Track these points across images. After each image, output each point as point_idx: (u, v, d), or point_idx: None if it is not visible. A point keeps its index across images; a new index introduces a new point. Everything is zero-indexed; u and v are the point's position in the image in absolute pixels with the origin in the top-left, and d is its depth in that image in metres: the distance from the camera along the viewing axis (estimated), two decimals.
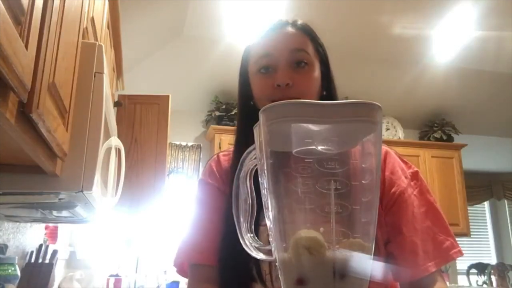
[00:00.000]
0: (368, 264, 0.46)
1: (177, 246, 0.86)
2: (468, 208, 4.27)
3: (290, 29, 0.83)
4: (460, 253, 0.77)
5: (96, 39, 1.52)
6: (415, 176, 0.83)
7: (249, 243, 0.52)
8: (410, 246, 0.75)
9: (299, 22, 0.85)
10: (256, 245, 0.52)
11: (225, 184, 0.85)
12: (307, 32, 0.84)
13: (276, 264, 0.48)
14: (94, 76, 1.08)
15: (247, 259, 0.74)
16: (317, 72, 0.82)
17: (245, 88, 0.86)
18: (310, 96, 0.79)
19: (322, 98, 0.84)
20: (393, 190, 0.79)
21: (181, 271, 0.86)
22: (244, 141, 0.85)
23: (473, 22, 3.24)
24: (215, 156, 0.94)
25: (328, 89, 0.85)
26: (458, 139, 4.40)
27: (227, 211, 0.80)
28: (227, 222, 0.79)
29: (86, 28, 1.26)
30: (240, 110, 0.91)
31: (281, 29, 0.83)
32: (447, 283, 4.28)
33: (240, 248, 0.75)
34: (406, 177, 0.81)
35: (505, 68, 3.78)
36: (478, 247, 5.43)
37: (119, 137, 1.56)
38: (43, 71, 0.68)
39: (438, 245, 0.76)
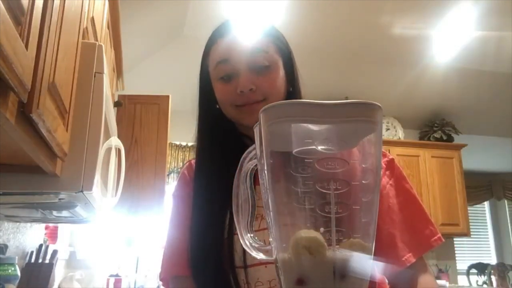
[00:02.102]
0: (368, 264, 0.46)
1: (161, 261, 0.85)
2: (468, 208, 4.28)
3: (247, 29, 0.79)
4: (440, 240, 0.75)
5: (96, 39, 1.52)
6: (390, 164, 0.81)
7: (249, 243, 0.52)
8: (388, 238, 0.74)
9: (256, 20, 0.81)
10: (256, 245, 0.52)
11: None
12: (265, 31, 0.80)
13: (277, 264, 0.48)
14: (94, 76, 1.08)
15: (222, 269, 0.73)
16: (281, 71, 0.79)
17: (208, 92, 0.83)
18: (275, 96, 0.78)
19: (288, 94, 0.82)
20: None
21: (166, 286, 0.84)
22: (207, 147, 0.84)
23: (473, 22, 3.24)
24: (188, 162, 0.92)
25: (293, 85, 0.83)
26: (458, 139, 4.40)
27: (192, 221, 0.79)
28: (192, 232, 0.78)
29: (86, 28, 1.26)
30: (204, 114, 0.87)
31: (238, 31, 0.79)
32: (447, 283, 4.26)
33: (211, 258, 0.74)
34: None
35: (505, 68, 3.78)
36: (478, 247, 5.43)
37: (119, 137, 1.56)
38: (43, 71, 0.68)
39: (417, 234, 0.75)
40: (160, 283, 0.88)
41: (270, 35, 0.81)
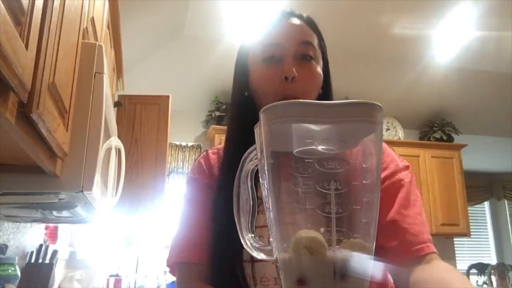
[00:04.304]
0: (368, 264, 0.46)
1: (169, 246, 0.84)
2: (468, 208, 4.27)
3: (297, 20, 0.81)
4: (433, 250, 0.74)
5: (96, 39, 1.52)
6: (409, 168, 0.84)
7: (249, 243, 0.52)
8: (398, 230, 0.73)
9: (305, 15, 0.84)
10: (257, 245, 0.52)
11: (214, 180, 0.84)
12: (313, 26, 0.83)
13: (277, 264, 0.48)
14: (94, 76, 1.08)
15: (233, 260, 0.74)
16: (319, 68, 0.80)
17: (243, 78, 0.83)
18: (312, 92, 0.78)
19: (319, 97, 0.82)
20: (385, 172, 0.80)
21: (173, 271, 0.84)
22: (236, 135, 0.84)
23: (473, 22, 3.24)
24: (204, 152, 0.92)
25: (325, 88, 0.83)
26: (458, 139, 4.40)
27: (213, 212, 0.79)
28: (214, 223, 0.78)
29: (86, 28, 1.26)
30: (234, 102, 0.87)
31: (288, 20, 0.81)
32: None
33: (225, 249, 0.74)
34: (398, 164, 0.83)
35: (505, 68, 3.78)
36: (478, 247, 5.43)
37: (119, 137, 1.56)
38: (43, 71, 0.68)
39: (425, 231, 0.75)
40: (167, 270, 0.87)
41: (316, 30, 0.83)
